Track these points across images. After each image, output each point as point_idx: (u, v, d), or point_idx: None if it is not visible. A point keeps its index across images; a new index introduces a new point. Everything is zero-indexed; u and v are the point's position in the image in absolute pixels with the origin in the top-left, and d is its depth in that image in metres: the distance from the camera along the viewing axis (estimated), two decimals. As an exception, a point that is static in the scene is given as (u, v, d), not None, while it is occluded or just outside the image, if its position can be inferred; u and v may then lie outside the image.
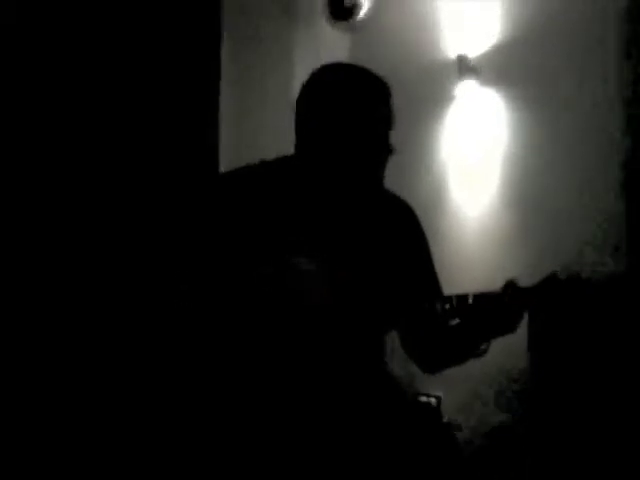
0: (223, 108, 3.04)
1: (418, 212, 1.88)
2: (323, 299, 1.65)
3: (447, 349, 1.78)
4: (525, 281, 1.65)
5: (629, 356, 2.51)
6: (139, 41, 2.72)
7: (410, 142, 3.27)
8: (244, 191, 1.75)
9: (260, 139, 3.05)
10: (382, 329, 1.77)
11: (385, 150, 1.73)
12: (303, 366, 1.65)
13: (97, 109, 2.60)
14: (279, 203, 1.73)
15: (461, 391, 3.13)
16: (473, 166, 3.29)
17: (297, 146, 1.78)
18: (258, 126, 3.12)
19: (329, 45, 3.32)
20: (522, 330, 1.73)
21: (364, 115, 1.70)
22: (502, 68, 3.19)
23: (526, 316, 1.66)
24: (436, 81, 3.31)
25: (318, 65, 1.79)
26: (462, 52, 3.24)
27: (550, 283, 1.62)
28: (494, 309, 1.62)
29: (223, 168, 2.81)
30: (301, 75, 1.82)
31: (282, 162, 1.80)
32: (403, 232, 1.82)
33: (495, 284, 1.66)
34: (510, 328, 1.64)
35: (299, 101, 1.76)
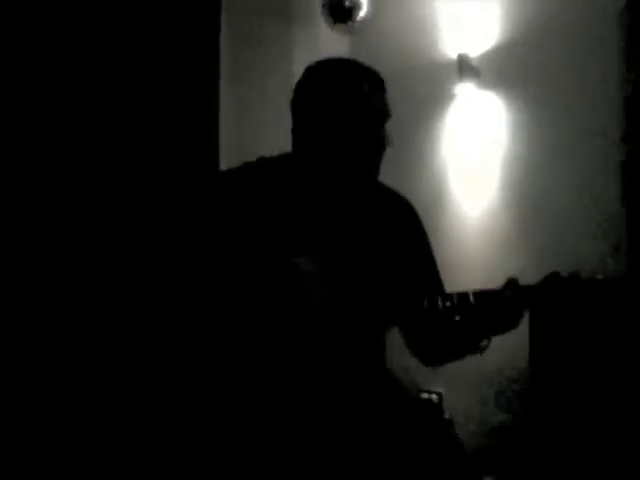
0: (223, 108, 3.04)
1: (418, 211, 1.88)
2: (323, 299, 1.65)
3: (448, 346, 1.78)
4: (526, 280, 1.66)
5: (630, 356, 2.51)
6: (139, 41, 2.72)
7: (411, 142, 3.29)
8: (243, 190, 1.75)
9: (260, 139, 3.04)
10: (383, 327, 1.77)
11: (379, 142, 1.73)
12: (304, 365, 1.64)
13: (97, 109, 2.60)
14: (278, 202, 1.73)
15: (462, 388, 3.14)
16: (473, 166, 3.29)
17: (293, 143, 1.79)
18: (258, 126, 3.12)
19: (328, 45, 3.33)
20: (523, 329, 1.73)
21: (356, 107, 1.70)
22: (502, 68, 3.19)
23: (527, 315, 1.66)
24: (436, 81, 3.32)
25: (317, 65, 1.79)
26: (462, 52, 3.24)
27: (551, 281, 1.62)
28: (495, 306, 1.62)
29: (223, 168, 2.81)
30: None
31: (280, 159, 1.80)
32: (403, 228, 1.82)
33: (495, 283, 1.66)
34: (511, 325, 1.65)
35: (293, 98, 1.77)
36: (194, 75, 2.92)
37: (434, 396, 3.23)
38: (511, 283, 1.64)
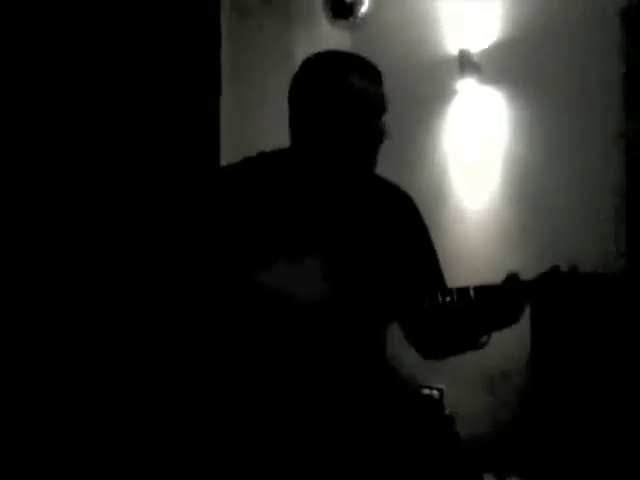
0: (224, 108, 3.04)
1: (420, 206, 1.88)
2: (323, 296, 1.65)
3: (448, 341, 1.78)
4: (526, 276, 1.65)
5: (630, 355, 2.51)
6: (139, 41, 2.72)
7: (412, 137, 3.30)
8: (243, 186, 1.74)
9: (261, 138, 3.03)
10: (383, 322, 1.77)
11: (376, 134, 1.73)
12: (305, 361, 1.64)
13: (98, 109, 2.60)
14: (278, 196, 1.73)
15: (463, 384, 3.14)
16: (474, 161, 3.30)
17: (291, 135, 1.78)
18: (259, 125, 3.13)
19: (330, 44, 3.32)
20: (524, 325, 1.73)
21: (353, 99, 1.69)
22: (503, 64, 3.20)
23: (529, 310, 1.66)
24: (437, 77, 3.33)
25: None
26: (463, 48, 3.25)
27: (552, 276, 1.62)
28: (495, 301, 1.62)
29: (223, 167, 2.81)
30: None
31: (280, 154, 1.80)
32: (403, 222, 1.82)
33: (496, 278, 1.66)
34: (511, 320, 1.64)
35: (290, 90, 1.77)
36: (195, 75, 2.93)
37: (435, 392, 3.23)
38: (511, 278, 1.63)
